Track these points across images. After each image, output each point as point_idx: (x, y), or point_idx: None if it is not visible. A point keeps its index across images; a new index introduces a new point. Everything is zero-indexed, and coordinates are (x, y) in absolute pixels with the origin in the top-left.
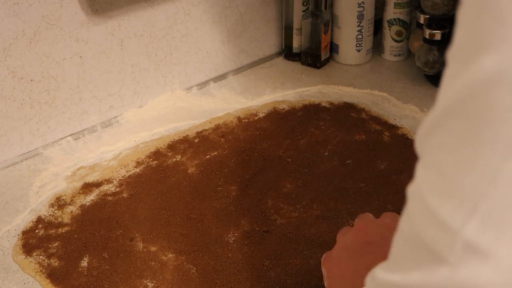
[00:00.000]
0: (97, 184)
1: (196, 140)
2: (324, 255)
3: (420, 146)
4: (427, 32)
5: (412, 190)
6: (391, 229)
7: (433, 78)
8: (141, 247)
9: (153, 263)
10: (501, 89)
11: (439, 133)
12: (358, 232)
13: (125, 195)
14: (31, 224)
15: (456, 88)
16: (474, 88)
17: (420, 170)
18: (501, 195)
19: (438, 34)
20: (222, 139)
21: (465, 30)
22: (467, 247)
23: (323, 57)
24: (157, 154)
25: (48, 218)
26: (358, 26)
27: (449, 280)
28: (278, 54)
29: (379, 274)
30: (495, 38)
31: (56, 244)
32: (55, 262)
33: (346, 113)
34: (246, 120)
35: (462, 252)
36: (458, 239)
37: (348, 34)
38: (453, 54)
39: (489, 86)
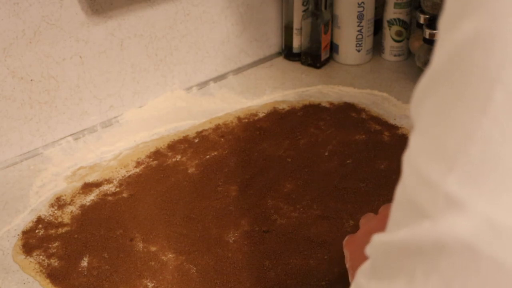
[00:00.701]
0: (97, 184)
1: (196, 140)
2: (347, 237)
3: (414, 115)
4: (427, 32)
5: (405, 157)
6: None
7: None
8: (141, 247)
9: (153, 263)
10: (478, 50)
11: (428, 99)
12: (383, 219)
13: (125, 195)
14: (31, 224)
15: (441, 54)
16: (455, 51)
17: (412, 137)
18: (477, 151)
19: (438, 34)
20: (222, 139)
21: (451, 0)
22: (447, 200)
23: (323, 57)
24: (157, 154)
25: (48, 218)
26: (358, 26)
27: (431, 233)
28: (278, 54)
29: (375, 237)
30: (473, 4)
31: (56, 244)
32: (55, 262)
33: (346, 113)
34: (246, 120)
35: (443, 205)
36: (439, 192)
37: (348, 34)
38: (441, 23)
39: (468, 49)
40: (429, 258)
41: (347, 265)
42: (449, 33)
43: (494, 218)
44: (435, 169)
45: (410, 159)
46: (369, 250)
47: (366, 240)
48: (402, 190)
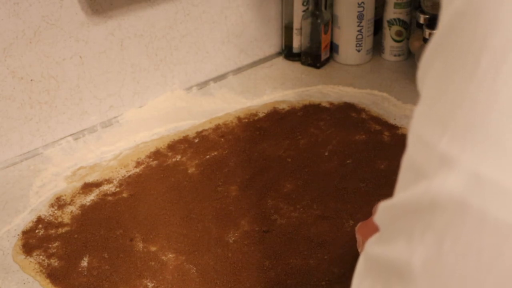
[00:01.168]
0: (97, 184)
1: (196, 140)
2: (359, 224)
3: (419, 87)
4: (427, 32)
5: (410, 125)
6: None
7: None
8: (141, 247)
9: (153, 263)
10: (467, 21)
11: (429, 70)
12: None
13: (125, 195)
14: (31, 224)
15: (439, 27)
16: (449, 23)
17: (417, 107)
18: (466, 113)
19: None
20: (222, 139)
21: None
22: (441, 160)
23: (323, 57)
24: (157, 154)
25: (48, 218)
26: (358, 26)
27: (426, 192)
28: (278, 54)
29: (381, 204)
30: None
31: (56, 244)
32: (55, 262)
33: (346, 113)
34: (246, 120)
35: (437, 165)
36: (434, 153)
37: (348, 34)
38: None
39: (458, 20)
40: (425, 217)
41: (359, 250)
42: (446, 7)
43: (481, 173)
44: (431, 132)
45: (413, 126)
46: (376, 217)
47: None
48: (406, 157)
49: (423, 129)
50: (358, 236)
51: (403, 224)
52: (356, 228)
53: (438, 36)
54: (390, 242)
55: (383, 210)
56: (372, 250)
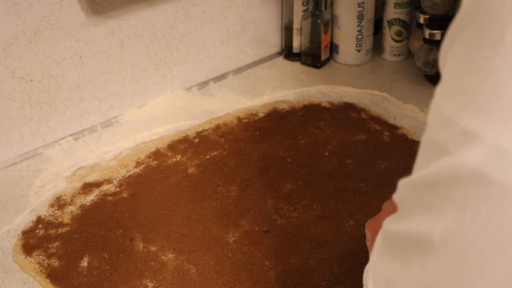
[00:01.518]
0: (97, 184)
1: (196, 140)
2: (369, 220)
3: (441, 65)
4: (427, 32)
5: (431, 104)
6: None
7: (433, 78)
8: (141, 247)
9: (153, 263)
10: None
11: (452, 47)
12: None
13: (125, 195)
14: (31, 224)
15: (464, 3)
16: (474, 0)
17: (438, 85)
18: (489, 88)
19: (438, 34)
20: (222, 139)
21: None
22: (463, 134)
23: (323, 57)
24: (157, 154)
25: (48, 218)
26: (358, 26)
27: (447, 166)
28: (278, 54)
29: (400, 182)
30: None
31: (56, 244)
32: (55, 262)
33: (346, 113)
34: (246, 120)
35: (459, 140)
36: (457, 128)
37: (348, 34)
38: None
39: None
40: (445, 190)
41: (368, 245)
42: None
43: (504, 146)
44: (453, 108)
45: (434, 104)
46: (395, 195)
47: None
48: (426, 135)
49: (445, 106)
50: (368, 232)
51: (423, 198)
52: (366, 224)
53: (461, 13)
54: (409, 217)
55: (402, 187)
56: (391, 227)
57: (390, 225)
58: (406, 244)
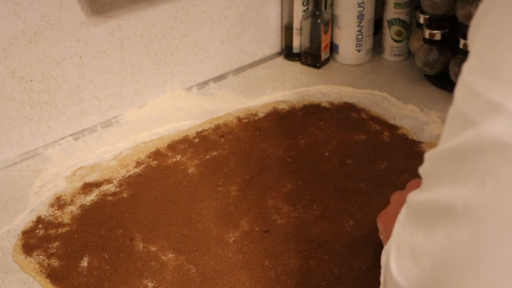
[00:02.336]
0: (97, 184)
1: (196, 140)
2: (380, 214)
3: (469, 43)
4: (427, 32)
5: (459, 80)
6: None
7: (433, 78)
8: (141, 247)
9: (153, 263)
10: None
11: (480, 27)
12: (411, 189)
13: (125, 195)
14: (31, 224)
15: None
16: None
17: (466, 62)
18: None
19: (438, 34)
20: (222, 139)
21: None
22: (488, 106)
23: (323, 57)
24: (157, 154)
25: (48, 218)
26: (358, 26)
27: (472, 137)
28: (278, 54)
29: (426, 154)
30: None
31: (56, 244)
32: (55, 262)
33: (346, 113)
34: (246, 120)
35: (484, 111)
36: (482, 101)
37: (348, 34)
38: None
39: None
40: (470, 161)
41: (381, 237)
42: None
43: None
44: (480, 81)
45: (461, 78)
46: (421, 168)
47: (397, 210)
48: (452, 109)
49: (471, 80)
50: (380, 225)
51: (448, 169)
52: (378, 218)
53: None
54: (434, 187)
55: (428, 159)
56: (415, 198)
57: (415, 197)
58: (430, 214)
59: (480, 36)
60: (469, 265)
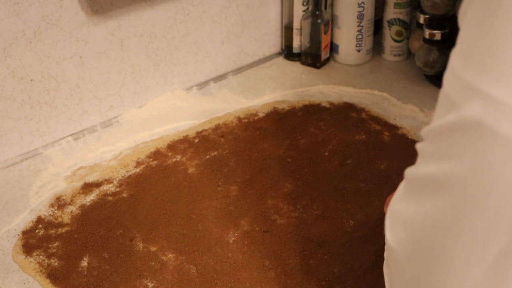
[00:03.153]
0: (97, 184)
1: (196, 140)
2: (387, 200)
3: (460, 27)
4: (427, 32)
5: (447, 65)
6: None
7: (433, 78)
8: (141, 247)
9: (153, 263)
10: None
11: (464, 15)
12: None
13: (125, 195)
14: (31, 224)
15: None
16: None
17: (454, 47)
18: (488, 46)
19: (438, 34)
20: (222, 139)
21: None
22: (467, 88)
23: (323, 57)
24: (157, 154)
25: (48, 218)
26: (358, 26)
27: (455, 118)
28: (278, 54)
29: (421, 131)
30: None
31: (56, 244)
32: (55, 262)
33: (346, 113)
34: (246, 120)
35: (465, 94)
36: (462, 83)
37: (348, 34)
38: None
39: None
40: (452, 139)
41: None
42: None
43: (497, 97)
44: (461, 65)
45: (449, 64)
46: (417, 144)
47: None
48: (442, 91)
49: (455, 65)
50: (386, 210)
51: (436, 146)
52: (385, 205)
53: None
54: (424, 162)
55: (422, 135)
56: (410, 172)
57: (410, 171)
58: (420, 187)
59: (463, 25)
60: (450, 230)
